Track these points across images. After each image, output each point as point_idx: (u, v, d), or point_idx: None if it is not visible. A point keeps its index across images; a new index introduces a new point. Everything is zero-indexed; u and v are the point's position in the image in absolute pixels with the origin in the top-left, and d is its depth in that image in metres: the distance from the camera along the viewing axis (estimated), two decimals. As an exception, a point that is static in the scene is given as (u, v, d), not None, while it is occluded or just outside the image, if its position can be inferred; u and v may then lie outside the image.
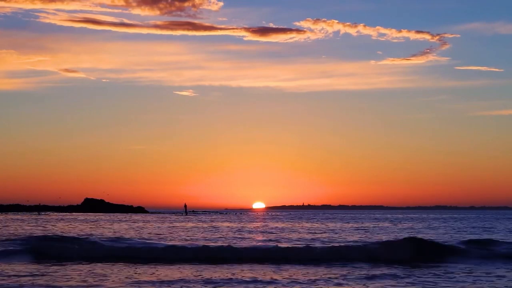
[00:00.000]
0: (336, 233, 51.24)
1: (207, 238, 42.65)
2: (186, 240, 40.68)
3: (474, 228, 63.30)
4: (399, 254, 28.45)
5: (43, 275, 22.52)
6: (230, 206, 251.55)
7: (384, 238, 42.85)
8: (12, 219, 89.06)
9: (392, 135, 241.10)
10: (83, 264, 26.19)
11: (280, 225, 71.20)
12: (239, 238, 43.62)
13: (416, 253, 28.85)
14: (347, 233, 51.61)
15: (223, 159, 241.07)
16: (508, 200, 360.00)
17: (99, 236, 41.23)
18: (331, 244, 33.80)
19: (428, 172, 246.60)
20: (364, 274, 23.04)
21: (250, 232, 52.72)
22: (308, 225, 70.79)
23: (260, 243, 37.26)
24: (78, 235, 42.68)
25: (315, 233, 50.79)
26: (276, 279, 21.68)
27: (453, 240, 38.10)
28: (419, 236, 40.50)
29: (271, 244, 35.34)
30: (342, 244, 33.36)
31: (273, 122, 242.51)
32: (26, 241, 32.86)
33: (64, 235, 40.89)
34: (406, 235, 44.22)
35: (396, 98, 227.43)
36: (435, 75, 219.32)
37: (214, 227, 62.97)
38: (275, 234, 48.56)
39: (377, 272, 23.60)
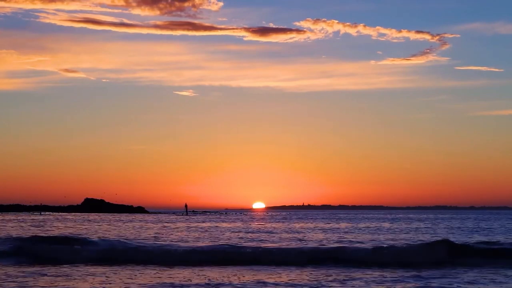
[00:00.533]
0: (347, 233, 50.57)
1: (204, 239, 41.98)
2: (185, 241, 39.97)
3: (485, 228, 62.59)
4: (431, 257, 27.23)
5: (42, 275, 21.83)
6: (230, 206, 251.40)
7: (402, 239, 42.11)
8: (9, 219, 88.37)
9: (392, 135, 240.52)
10: (78, 266, 25.46)
11: (295, 225, 70.56)
12: (247, 239, 42.90)
13: (448, 256, 27.53)
14: (359, 233, 50.91)
15: (223, 159, 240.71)
16: (508, 200, 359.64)
17: (95, 237, 40.48)
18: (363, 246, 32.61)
19: (428, 172, 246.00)
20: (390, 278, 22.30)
21: (268, 233, 52.02)
22: (314, 225, 70.14)
23: (285, 244, 36.48)
24: (73, 235, 41.80)
25: (305, 233, 50.13)
26: (279, 282, 21.02)
27: (468, 241, 37.44)
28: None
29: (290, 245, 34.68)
30: (368, 246, 32.17)
31: (273, 122, 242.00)
32: (14, 242, 31.88)
33: (56, 235, 39.93)
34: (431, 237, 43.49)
35: (396, 98, 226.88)
36: (435, 75, 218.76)
37: (214, 228, 62.31)
38: (301, 234, 47.89)
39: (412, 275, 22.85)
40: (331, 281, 21.16)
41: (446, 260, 26.81)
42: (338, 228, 62.15)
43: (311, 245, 34.64)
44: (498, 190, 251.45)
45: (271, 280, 21.21)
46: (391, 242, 37.21)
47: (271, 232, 51.65)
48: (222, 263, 26.24)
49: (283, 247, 32.25)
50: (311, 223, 78.61)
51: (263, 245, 35.07)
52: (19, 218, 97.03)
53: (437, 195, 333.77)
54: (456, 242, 31.69)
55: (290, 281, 21.03)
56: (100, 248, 30.03)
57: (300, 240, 40.93)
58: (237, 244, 35.55)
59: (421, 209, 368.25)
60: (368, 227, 64.79)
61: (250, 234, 48.28)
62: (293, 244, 35.52)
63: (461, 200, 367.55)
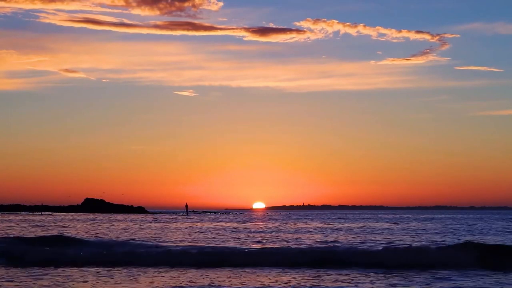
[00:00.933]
0: (355, 234, 50.16)
1: (203, 239, 41.59)
2: (184, 241, 39.58)
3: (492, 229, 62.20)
4: (459, 260, 25.76)
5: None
6: (230, 206, 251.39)
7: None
8: (7, 219, 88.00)
9: (392, 135, 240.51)
10: (75, 267, 24.92)
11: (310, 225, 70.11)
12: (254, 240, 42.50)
13: (478, 259, 26.03)
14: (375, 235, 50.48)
15: (223, 159, 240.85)
16: (508, 200, 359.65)
17: (93, 238, 40.10)
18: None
19: (428, 172, 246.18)
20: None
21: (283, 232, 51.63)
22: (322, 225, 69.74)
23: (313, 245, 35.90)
24: (71, 236, 41.33)
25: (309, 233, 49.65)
26: (282, 284, 20.60)
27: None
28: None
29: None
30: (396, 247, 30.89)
31: (273, 122, 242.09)
32: (9, 242, 31.21)
33: (53, 236, 39.20)
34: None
35: (396, 98, 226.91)
36: (435, 75, 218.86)
37: (213, 228, 61.96)
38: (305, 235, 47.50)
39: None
40: (334, 281, 20.78)
41: (467, 262, 25.63)
42: (341, 228, 61.76)
43: (313, 246, 34.13)
44: (498, 190, 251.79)
45: (273, 282, 20.78)
46: (397, 243, 36.87)
47: (270, 232, 51.23)
48: (222, 264, 25.72)
49: (284, 247, 31.78)
50: (313, 223, 78.21)
51: (263, 246, 34.66)
52: (18, 218, 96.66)
53: (437, 195, 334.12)
54: (486, 244, 30.66)
55: (293, 283, 20.60)
56: (98, 248, 29.44)
57: (301, 240, 40.49)
58: (237, 245, 35.17)
59: (421, 209, 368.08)
60: (368, 227, 64.41)
61: (250, 235, 47.87)
62: (294, 245, 35.08)
63: (461, 200, 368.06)
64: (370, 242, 37.78)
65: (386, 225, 71.32)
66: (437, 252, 27.28)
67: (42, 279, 21.25)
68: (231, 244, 35.39)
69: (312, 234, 48.43)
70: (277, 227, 63.02)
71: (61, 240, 31.64)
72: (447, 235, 47.90)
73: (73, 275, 22.34)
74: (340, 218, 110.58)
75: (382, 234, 48.54)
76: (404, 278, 21.62)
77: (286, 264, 25.51)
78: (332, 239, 42.00)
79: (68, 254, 27.41)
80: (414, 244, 34.44)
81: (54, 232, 48.79)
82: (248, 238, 43.35)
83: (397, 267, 24.58)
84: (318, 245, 34.83)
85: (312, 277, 21.98)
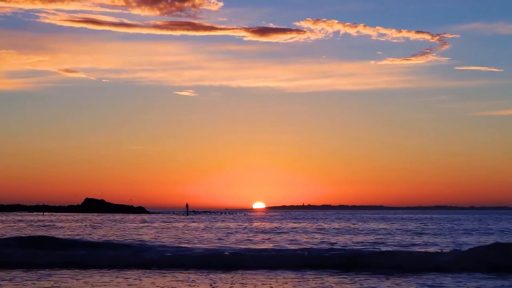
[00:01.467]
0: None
1: (204, 240, 41.44)
2: (184, 242, 39.41)
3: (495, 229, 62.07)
4: (487, 262, 24.58)
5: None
6: (230, 206, 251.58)
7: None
8: (5, 220, 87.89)
9: (392, 135, 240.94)
10: (71, 269, 24.74)
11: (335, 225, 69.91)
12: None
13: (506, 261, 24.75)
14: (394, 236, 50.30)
15: (223, 159, 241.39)
16: (508, 200, 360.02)
17: (88, 239, 39.92)
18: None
19: (428, 172, 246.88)
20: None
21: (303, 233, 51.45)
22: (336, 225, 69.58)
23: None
24: (71, 238, 41.18)
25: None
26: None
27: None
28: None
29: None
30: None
31: (273, 122, 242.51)
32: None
33: (45, 235, 38.92)
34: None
35: (396, 98, 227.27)
36: (435, 75, 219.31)
37: (213, 228, 61.85)
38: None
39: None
40: (337, 283, 20.59)
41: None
42: (341, 228, 61.62)
43: (318, 248, 33.89)
44: (498, 190, 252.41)
45: (279, 284, 20.60)
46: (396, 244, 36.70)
47: (270, 233, 51.07)
48: (223, 266, 25.42)
49: (285, 249, 31.53)
50: (313, 223, 78.07)
51: (263, 246, 34.47)
52: (17, 218, 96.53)
53: (437, 195, 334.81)
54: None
55: (295, 285, 20.43)
56: (98, 249, 29.14)
57: (300, 241, 40.32)
58: (237, 245, 35.00)
59: (421, 209, 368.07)
60: (368, 227, 64.30)
61: (250, 235, 47.70)
62: (293, 246, 34.88)
63: (461, 200, 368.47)
64: (369, 243, 37.66)
65: (387, 225, 71.21)
66: (446, 255, 26.55)
67: (42, 279, 21.08)
68: (231, 245, 35.23)
69: (311, 235, 48.30)
70: (276, 227, 62.90)
71: (59, 241, 31.29)
72: (446, 235, 47.81)
73: (73, 275, 22.19)
74: (339, 218, 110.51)
75: (381, 235, 48.43)
76: (406, 281, 21.51)
77: (289, 266, 25.23)
78: (333, 240, 41.86)
79: (67, 255, 27.04)
80: (414, 244, 34.31)
81: (53, 232, 48.67)
82: (247, 238, 43.23)
83: (403, 270, 24.20)
84: (320, 246, 34.66)
85: (313, 277, 21.85)
